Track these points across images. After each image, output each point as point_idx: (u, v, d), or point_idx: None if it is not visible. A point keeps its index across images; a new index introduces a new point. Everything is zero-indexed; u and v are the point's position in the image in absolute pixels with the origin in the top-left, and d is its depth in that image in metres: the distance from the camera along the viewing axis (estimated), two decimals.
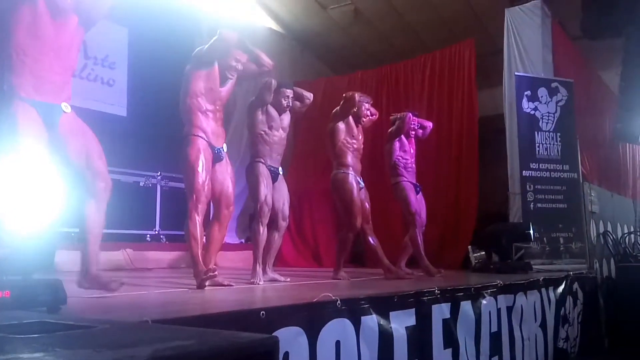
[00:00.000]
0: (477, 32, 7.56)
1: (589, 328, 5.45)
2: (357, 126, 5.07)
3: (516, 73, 6.51)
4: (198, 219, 3.59)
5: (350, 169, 4.87)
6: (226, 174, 3.82)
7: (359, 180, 4.96)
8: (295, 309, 2.40)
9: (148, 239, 6.28)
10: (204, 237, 3.79)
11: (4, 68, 2.75)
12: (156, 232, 6.36)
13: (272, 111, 4.43)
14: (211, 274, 3.45)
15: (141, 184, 6.29)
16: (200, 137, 3.69)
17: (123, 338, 1.13)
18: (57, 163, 2.74)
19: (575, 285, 5.23)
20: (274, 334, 2.16)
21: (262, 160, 4.37)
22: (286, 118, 4.55)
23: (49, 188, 2.13)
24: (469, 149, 7.06)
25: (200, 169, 3.61)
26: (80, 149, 2.84)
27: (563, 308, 4.88)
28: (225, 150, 3.84)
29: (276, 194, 4.39)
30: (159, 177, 6.41)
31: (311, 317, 2.42)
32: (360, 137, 5.08)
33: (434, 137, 7.30)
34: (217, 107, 3.83)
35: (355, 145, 4.98)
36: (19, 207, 2.02)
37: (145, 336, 1.15)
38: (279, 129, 4.46)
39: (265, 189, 4.26)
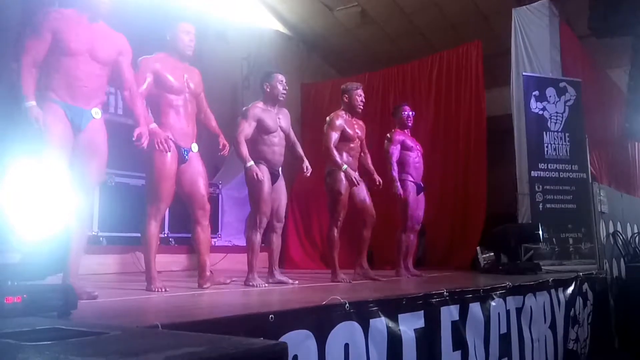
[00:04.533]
0: (484, 33, 7.55)
1: (599, 329, 5.42)
2: (355, 121, 4.99)
3: (524, 73, 6.50)
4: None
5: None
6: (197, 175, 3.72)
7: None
8: (303, 313, 2.40)
9: None
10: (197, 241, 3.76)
11: (39, 69, 2.82)
12: (165, 235, 6.37)
13: (267, 117, 4.31)
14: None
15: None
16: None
17: (134, 345, 1.14)
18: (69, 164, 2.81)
19: (585, 286, 5.21)
20: (282, 337, 2.17)
21: (263, 162, 4.27)
22: (284, 119, 4.44)
23: (61, 192, 2.15)
24: (476, 149, 7.04)
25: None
26: (89, 160, 2.92)
27: (573, 309, 4.85)
28: (195, 150, 3.73)
29: (273, 194, 4.30)
30: None
31: (320, 320, 2.42)
32: (359, 133, 4.98)
33: (441, 137, 7.31)
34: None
35: (352, 144, 4.88)
36: (31, 211, 2.04)
37: (156, 343, 1.16)
38: (276, 129, 4.34)
39: (266, 199, 4.18)
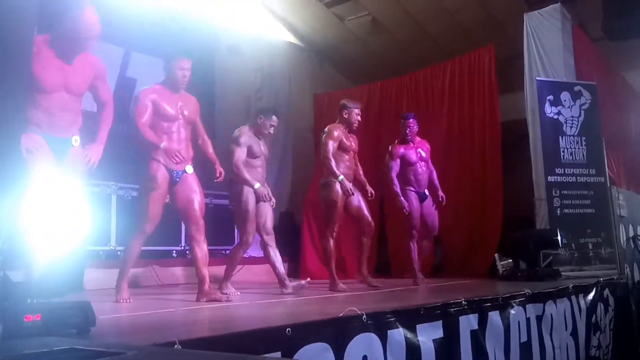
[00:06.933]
0: (496, 37, 7.50)
1: (621, 334, 5.33)
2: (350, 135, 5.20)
3: (537, 78, 6.45)
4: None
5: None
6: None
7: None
8: (321, 325, 2.40)
9: (174, 254, 6.31)
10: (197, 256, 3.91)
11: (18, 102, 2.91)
12: (182, 248, 6.40)
13: (254, 142, 4.63)
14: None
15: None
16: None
17: None
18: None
19: (606, 292, 5.13)
20: (300, 350, 2.17)
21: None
22: (263, 145, 4.76)
23: (74, 210, 2.18)
24: (492, 155, 6.98)
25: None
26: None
27: (594, 315, 4.78)
28: (189, 171, 3.94)
29: (257, 212, 4.59)
30: None
31: (337, 332, 2.41)
32: (353, 146, 5.20)
33: (456, 143, 7.27)
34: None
35: (347, 156, 5.10)
36: (48, 231, 2.06)
37: None
38: (260, 155, 4.67)
39: (252, 219, 4.48)
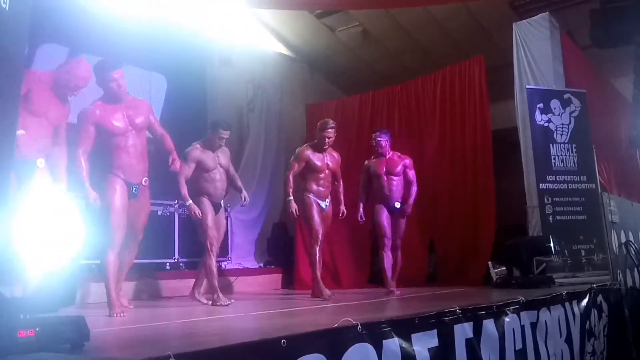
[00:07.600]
0: (486, 46, 7.57)
1: (615, 340, 5.34)
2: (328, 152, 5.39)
3: (527, 86, 6.50)
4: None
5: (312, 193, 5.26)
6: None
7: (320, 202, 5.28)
8: (316, 336, 2.39)
9: (168, 267, 6.29)
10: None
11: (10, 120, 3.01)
12: (175, 260, 6.38)
13: (206, 157, 4.71)
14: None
15: (159, 212, 6.32)
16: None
17: None
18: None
19: (600, 298, 5.15)
20: None
21: (206, 196, 4.68)
22: (223, 157, 4.83)
23: (66, 224, 2.17)
24: (483, 163, 7.01)
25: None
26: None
27: (588, 321, 4.79)
28: (145, 184, 4.05)
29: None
30: (177, 206, 6.44)
31: (332, 343, 2.40)
32: (329, 164, 5.37)
33: (448, 152, 7.30)
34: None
35: (321, 175, 5.30)
36: (40, 245, 2.06)
37: None
38: (215, 167, 4.75)
39: (212, 225, 4.61)
